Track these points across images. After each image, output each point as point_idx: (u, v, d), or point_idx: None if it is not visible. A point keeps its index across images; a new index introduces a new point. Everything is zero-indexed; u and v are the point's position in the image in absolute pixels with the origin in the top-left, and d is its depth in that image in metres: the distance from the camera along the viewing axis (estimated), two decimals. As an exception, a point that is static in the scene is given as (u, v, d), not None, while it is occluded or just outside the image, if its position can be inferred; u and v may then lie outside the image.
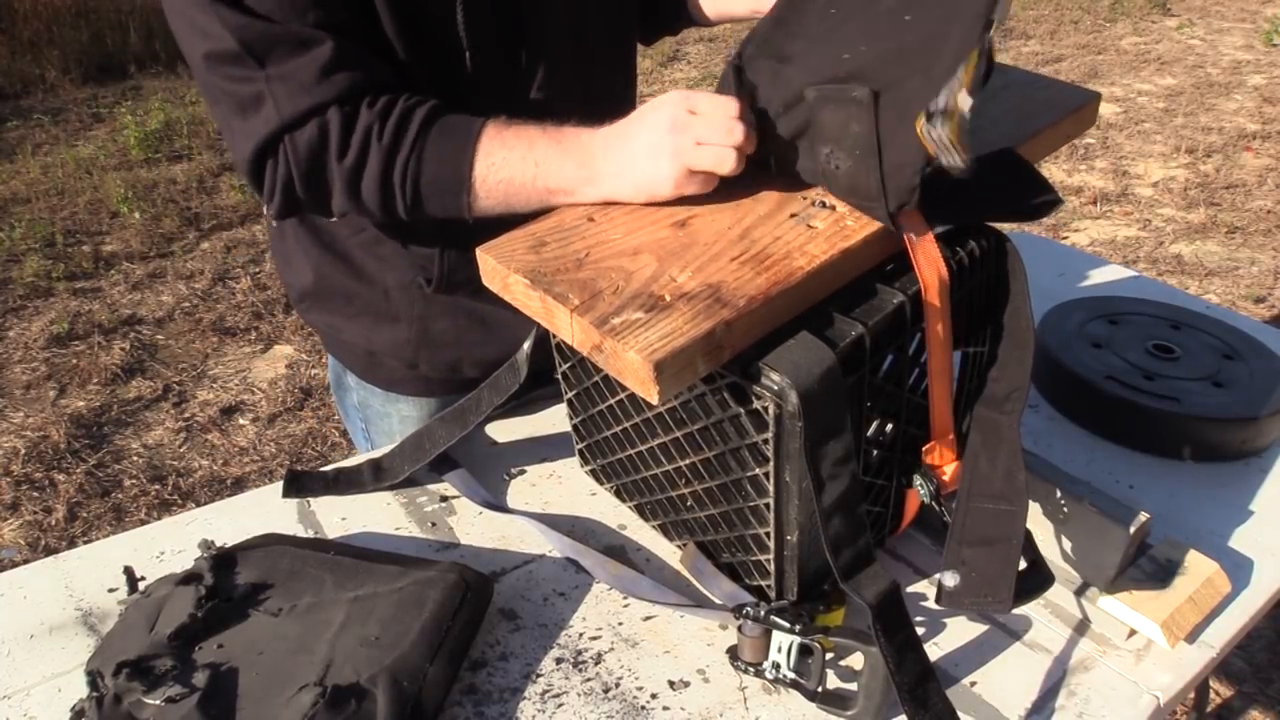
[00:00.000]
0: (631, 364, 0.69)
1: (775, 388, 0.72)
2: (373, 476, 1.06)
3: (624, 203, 0.87)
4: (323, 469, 1.08)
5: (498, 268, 0.80)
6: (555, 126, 0.90)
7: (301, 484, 1.05)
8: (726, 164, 0.82)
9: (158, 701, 0.75)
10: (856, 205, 0.82)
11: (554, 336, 0.96)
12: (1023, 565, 0.82)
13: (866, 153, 0.78)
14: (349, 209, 0.93)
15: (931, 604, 0.90)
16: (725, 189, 0.86)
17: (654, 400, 0.70)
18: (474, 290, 1.04)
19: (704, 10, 1.20)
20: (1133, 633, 0.89)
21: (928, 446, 0.85)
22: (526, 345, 1.01)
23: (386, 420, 1.24)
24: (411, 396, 1.22)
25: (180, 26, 0.88)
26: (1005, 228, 0.86)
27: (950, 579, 0.80)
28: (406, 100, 0.89)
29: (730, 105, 0.83)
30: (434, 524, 1.02)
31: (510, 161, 0.88)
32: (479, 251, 0.82)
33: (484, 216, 0.91)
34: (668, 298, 0.73)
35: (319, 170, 0.89)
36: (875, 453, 0.86)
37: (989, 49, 0.76)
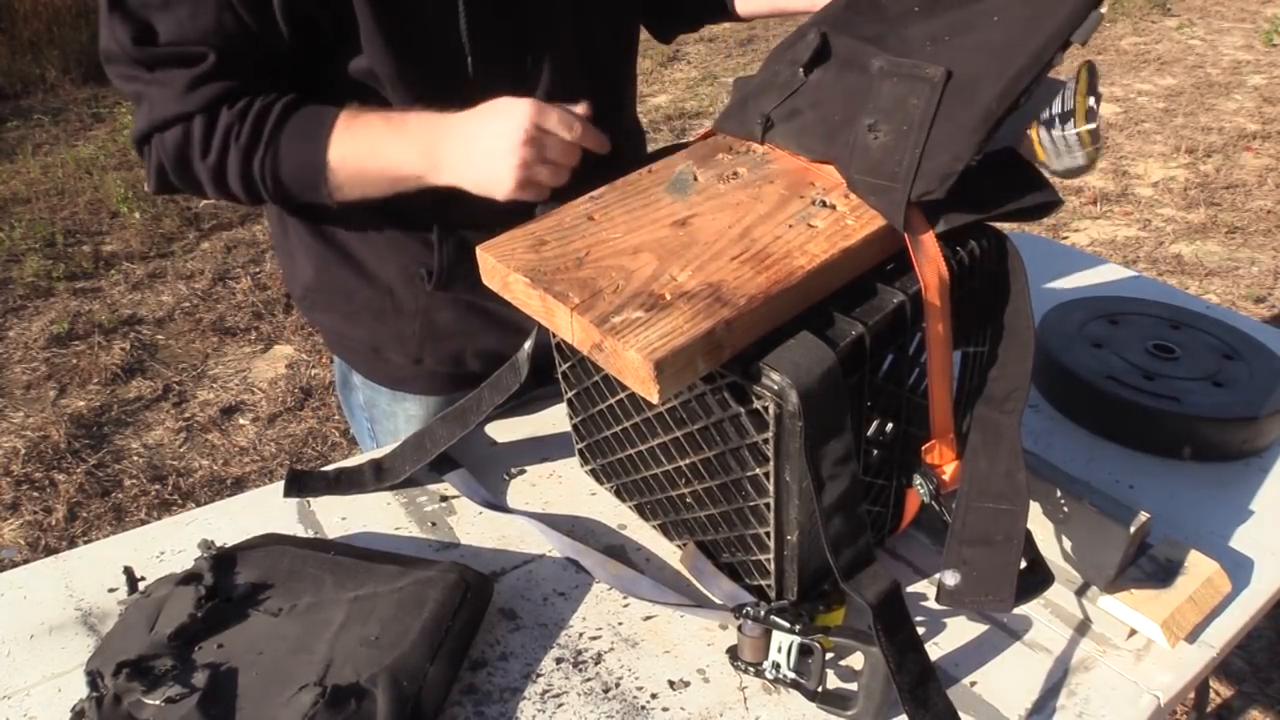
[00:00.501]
0: (632, 363, 0.69)
1: (775, 387, 0.72)
2: (374, 476, 1.06)
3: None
4: (324, 469, 1.08)
5: (497, 266, 0.80)
6: (400, 115, 0.96)
7: (302, 484, 1.05)
8: (560, 180, 0.92)
9: (158, 701, 0.75)
10: (869, 188, 0.81)
11: (554, 336, 0.96)
12: (1022, 565, 0.82)
13: (914, 129, 0.79)
14: (221, 197, 1.01)
15: (932, 604, 0.90)
16: (726, 189, 0.86)
17: (654, 399, 0.70)
18: (474, 284, 1.05)
19: (735, 4, 1.19)
20: (1133, 632, 0.89)
21: (927, 445, 0.85)
22: (527, 345, 1.01)
23: (392, 420, 1.25)
24: (417, 395, 1.22)
25: (101, 13, 0.96)
26: (1005, 228, 0.86)
27: (951, 578, 0.80)
28: (264, 99, 0.96)
29: (575, 127, 0.91)
30: (434, 524, 1.02)
31: (359, 151, 0.96)
32: (479, 250, 0.82)
33: (346, 202, 1.00)
34: (668, 297, 0.73)
35: (185, 166, 0.98)
36: (875, 452, 0.86)
37: (1094, 71, 0.84)
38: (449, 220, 1.05)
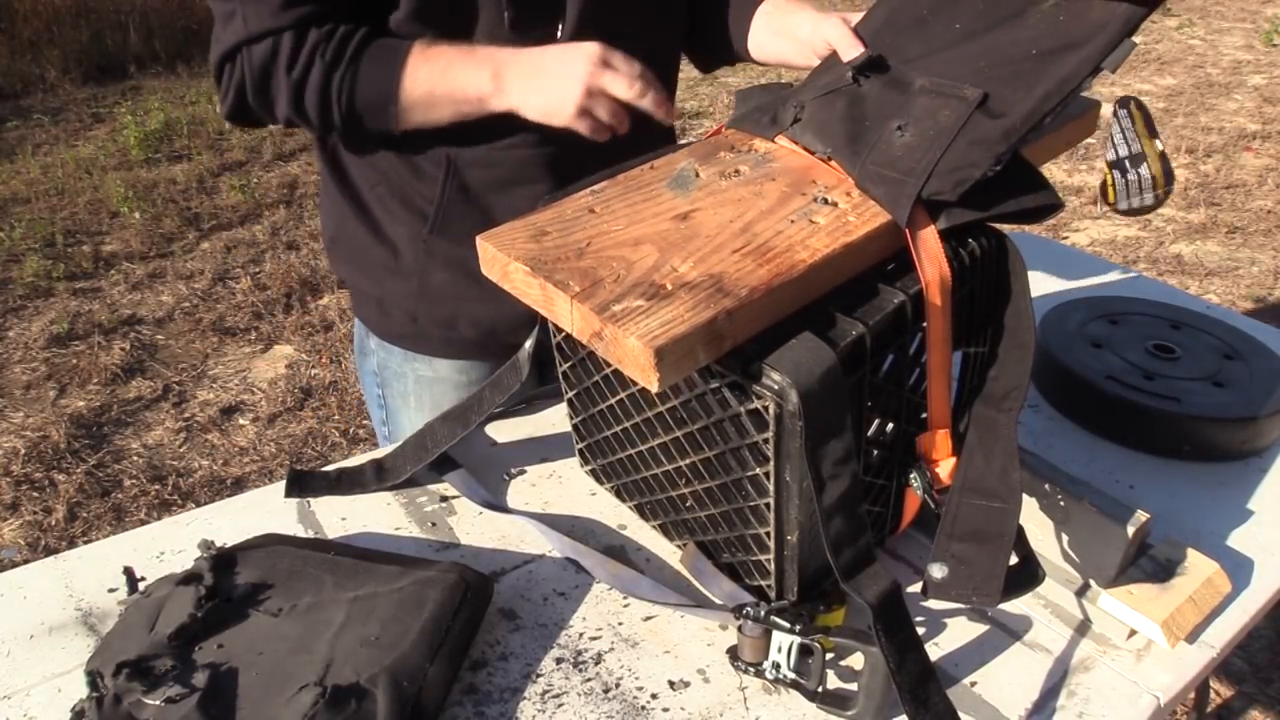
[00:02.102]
0: (632, 350, 0.69)
1: (776, 387, 0.72)
2: (375, 476, 1.06)
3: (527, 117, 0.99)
4: (324, 469, 1.08)
5: (498, 255, 0.81)
6: (469, 46, 1.02)
7: (303, 483, 1.05)
8: (618, 120, 0.97)
9: (158, 701, 0.75)
10: (880, 179, 0.82)
11: (555, 336, 0.96)
12: (1013, 560, 0.82)
13: (940, 134, 0.82)
14: (292, 117, 1.05)
15: (932, 604, 0.90)
16: (728, 186, 0.86)
17: (654, 388, 0.70)
18: (467, 231, 1.14)
19: (749, 48, 1.23)
20: (1133, 633, 0.89)
21: (923, 438, 0.85)
22: (528, 344, 1.01)
23: (402, 381, 1.28)
24: (424, 355, 1.25)
25: None
26: (1005, 228, 0.86)
27: (938, 571, 0.80)
28: (348, 25, 1.02)
29: (640, 76, 0.96)
30: (434, 524, 1.02)
31: (432, 75, 1.01)
32: (479, 240, 0.83)
33: (408, 127, 1.05)
34: (669, 286, 0.73)
35: (266, 81, 1.03)
36: (875, 452, 0.86)
37: (1143, 107, 0.92)
38: (458, 163, 1.10)
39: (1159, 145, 0.91)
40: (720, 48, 1.27)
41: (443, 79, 1.01)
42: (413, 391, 1.27)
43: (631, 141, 0.98)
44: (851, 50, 0.96)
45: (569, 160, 1.02)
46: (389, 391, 1.31)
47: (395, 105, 1.02)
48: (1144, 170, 0.92)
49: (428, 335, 1.23)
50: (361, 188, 1.18)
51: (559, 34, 1.06)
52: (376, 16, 1.03)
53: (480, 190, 1.12)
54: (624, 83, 0.95)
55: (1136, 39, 0.84)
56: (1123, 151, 0.93)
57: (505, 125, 1.03)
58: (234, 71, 1.03)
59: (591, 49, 0.96)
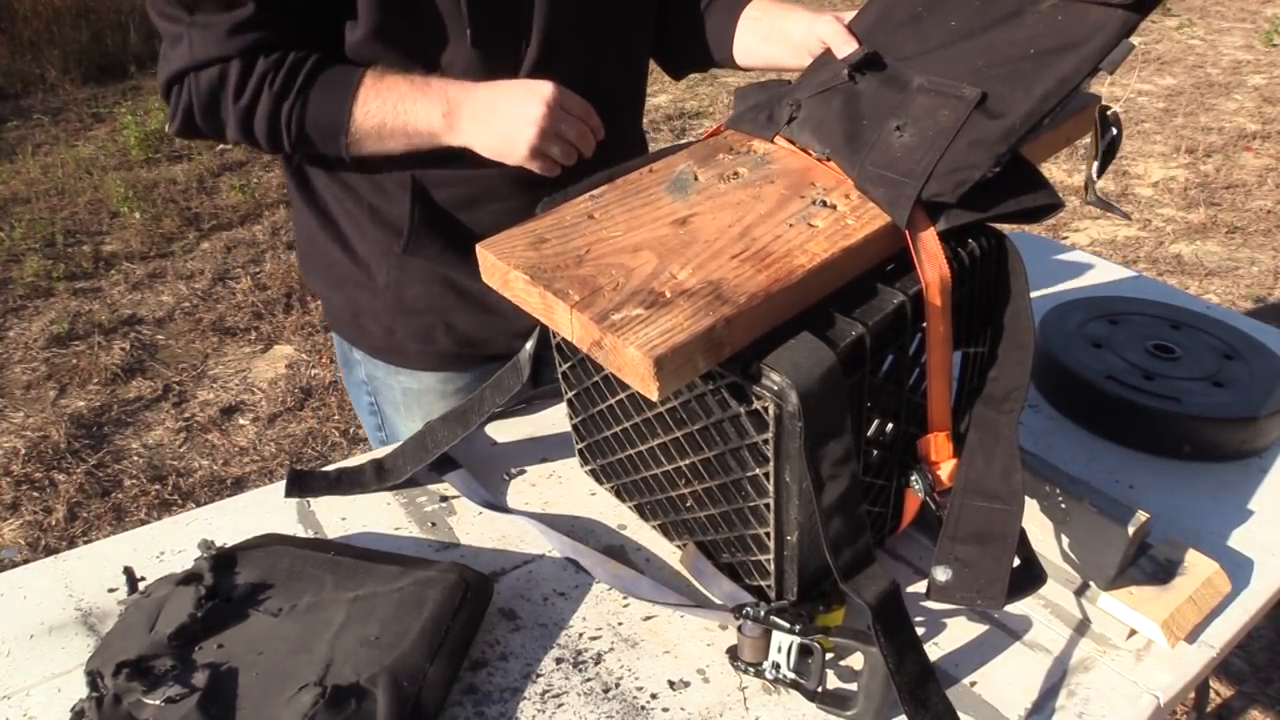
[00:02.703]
0: (631, 360, 0.69)
1: (775, 388, 0.72)
2: (375, 477, 1.06)
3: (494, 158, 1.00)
4: (325, 469, 1.08)
5: (497, 264, 0.80)
6: (423, 78, 1.01)
7: (304, 483, 1.05)
8: (569, 159, 0.99)
9: (158, 701, 0.75)
10: (880, 180, 0.82)
11: (555, 336, 0.96)
12: (1015, 563, 0.82)
13: (940, 135, 0.82)
14: (242, 141, 1.05)
15: (932, 604, 0.90)
16: (726, 189, 0.86)
17: (654, 396, 0.70)
18: (440, 250, 1.13)
19: (734, 54, 1.21)
20: (1133, 633, 0.89)
21: (923, 440, 0.85)
22: (529, 345, 1.01)
23: (391, 391, 1.27)
24: (405, 369, 1.24)
25: None
26: (1005, 228, 0.86)
27: (942, 574, 0.80)
28: (298, 53, 1.01)
29: (592, 116, 0.99)
30: (434, 524, 1.02)
31: (384, 108, 1.00)
32: (479, 248, 0.83)
33: (360, 156, 1.04)
34: (668, 294, 0.73)
35: (214, 107, 1.02)
36: (875, 453, 0.86)
37: (1107, 118, 0.96)
38: (423, 186, 1.10)
39: (1095, 169, 0.99)
40: (691, 53, 1.26)
41: (394, 112, 1.00)
42: (402, 402, 1.27)
43: (598, 155, 0.99)
44: (846, 47, 0.96)
45: (537, 175, 1.01)
46: (381, 399, 1.30)
47: (345, 136, 1.02)
48: (1091, 196, 1.01)
49: (405, 348, 1.22)
50: (329, 203, 1.16)
51: (524, 49, 1.04)
52: (328, 42, 1.02)
53: (449, 208, 1.11)
54: (576, 126, 0.97)
55: (1135, 40, 0.84)
56: (1092, 173, 1.01)
57: (464, 149, 1.02)
58: (181, 94, 1.02)
59: (545, 89, 0.96)
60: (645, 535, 1.00)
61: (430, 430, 1.07)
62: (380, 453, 1.10)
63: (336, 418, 2.85)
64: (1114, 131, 0.97)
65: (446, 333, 1.19)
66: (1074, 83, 0.82)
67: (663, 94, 5.38)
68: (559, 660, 0.86)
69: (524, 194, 1.08)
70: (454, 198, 1.11)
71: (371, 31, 1.00)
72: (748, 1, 1.19)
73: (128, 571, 0.89)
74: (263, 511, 1.03)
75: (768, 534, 0.83)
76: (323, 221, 1.17)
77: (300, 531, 1.00)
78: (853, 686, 0.81)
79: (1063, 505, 0.92)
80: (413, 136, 1.01)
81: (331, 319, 1.30)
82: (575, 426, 1.05)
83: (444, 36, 1.02)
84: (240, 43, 0.98)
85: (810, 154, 0.90)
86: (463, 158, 1.03)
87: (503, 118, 0.98)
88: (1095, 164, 0.98)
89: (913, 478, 0.86)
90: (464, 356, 1.22)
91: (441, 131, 1.00)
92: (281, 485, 1.05)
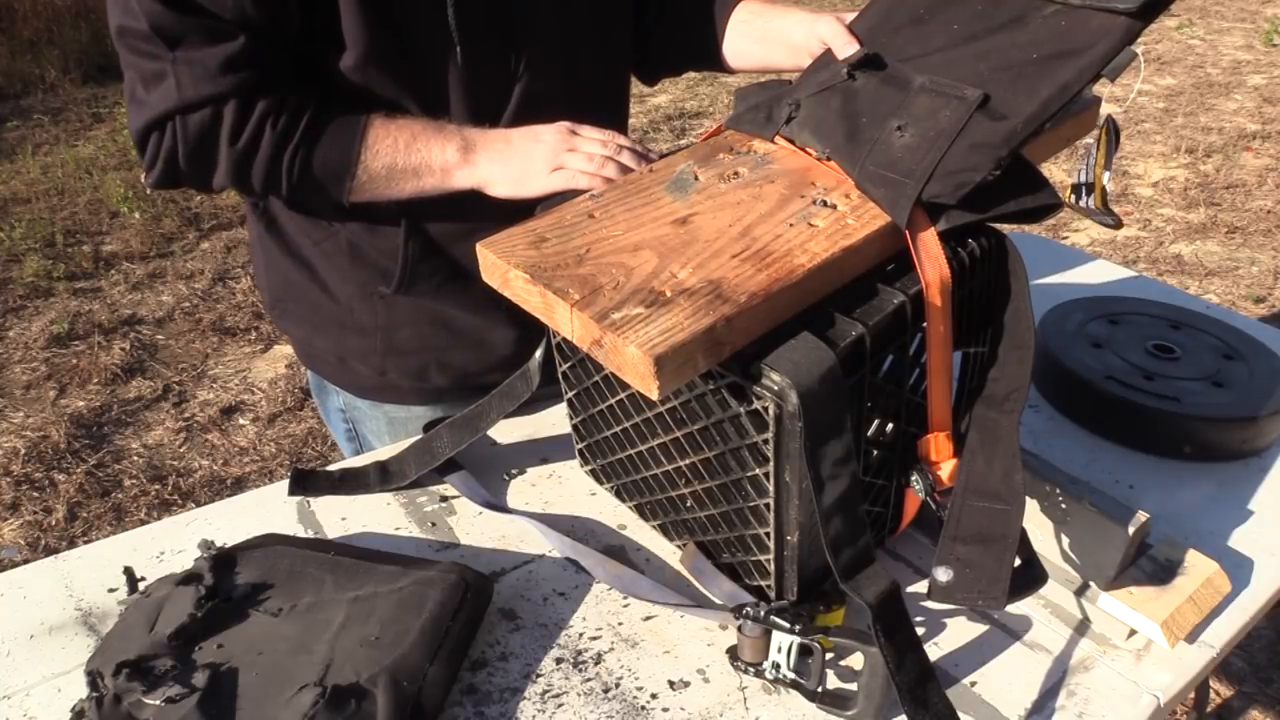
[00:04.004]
0: (632, 359, 0.69)
1: (775, 388, 0.72)
2: (379, 479, 1.06)
3: (496, 195, 0.97)
4: (328, 469, 1.08)
5: (497, 263, 0.80)
6: (435, 121, 0.99)
7: (307, 483, 1.05)
8: (593, 166, 0.93)
9: (158, 701, 0.75)
10: (880, 180, 0.82)
11: (555, 336, 0.96)
12: (1016, 563, 0.82)
13: (941, 136, 0.82)
14: (229, 186, 0.98)
15: (932, 604, 0.90)
16: (727, 189, 0.86)
17: (654, 396, 0.70)
18: (437, 285, 1.09)
19: (725, 57, 1.19)
20: (1133, 633, 0.89)
21: (923, 440, 0.85)
22: (538, 353, 1.01)
23: (375, 421, 1.24)
24: (394, 403, 1.21)
25: None
26: (1005, 228, 0.86)
27: (943, 574, 0.80)
28: (299, 94, 0.96)
29: (612, 141, 0.95)
30: (434, 524, 1.02)
31: (395, 148, 0.97)
32: (479, 247, 0.82)
33: (359, 200, 1.00)
34: (668, 293, 0.73)
35: (206, 151, 0.95)
36: (875, 453, 0.86)
37: (1117, 128, 0.98)
38: (417, 219, 1.06)
39: (1106, 179, 0.99)
40: (669, 57, 1.24)
41: (406, 150, 0.97)
42: (387, 431, 1.23)
43: None
44: (847, 47, 0.96)
45: (536, 200, 0.97)
46: (363, 429, 1.26)
47: (351, 179, 0.98)
48: (1091, 201, 1.00)
49: (397, 386, 1.19)
50: (302, 245, 1.11)
51: (514, 66, 1.03)
52: (314, 77, 0.97)
53: (444, 241, 1.08)
54: (595, 152, 0.94)
55: (1137, 47, 0.85)
56: (1082, 178, 1.00)
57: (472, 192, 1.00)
58: (163, 139, 0.94)
59: (560, 125, 0.96)
60: (645, 535, 1.00)
61: (436, 435, 1.07)
62: (384, 454, 1.10)
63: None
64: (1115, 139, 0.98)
65: (441, 371, 1.17)
66: (1076, 89, 0.82)
67: (663, 94, 5.38)
68: (559, 660, 0.86)
69: (522, 217, 1.06)
70: (449, 230, 1.07)
71: (362, 56, 0.96)
72: (735, 4, 1.17)
73: (128, 571, 0.89)
74: (263, 511, 1.03)
75: (768, 534, 0.83)
76: (297, 264, 1.12)
77: (300, 531, 1.00)
78: (853, 686, 0.81)
79: (1063, 505, 0.92)
80: (424, 176, 0.98)
81: (309, 360, 1.25)
82: (575, 426, 1.05)
83: (433, 57, 0.99)
84: (234, 80, 0.92)
85: (810, 154, 0.90)
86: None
87: (517, 145, 0.97)
88: (1100, 171, 0.98)
89: (913, 478, 0.86)
90: (458, 389, 1.18)
91: (456, 166, 0.98)
92: (281, 485, 1.05)
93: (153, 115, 0.93)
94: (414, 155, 0.97)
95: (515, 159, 0.97)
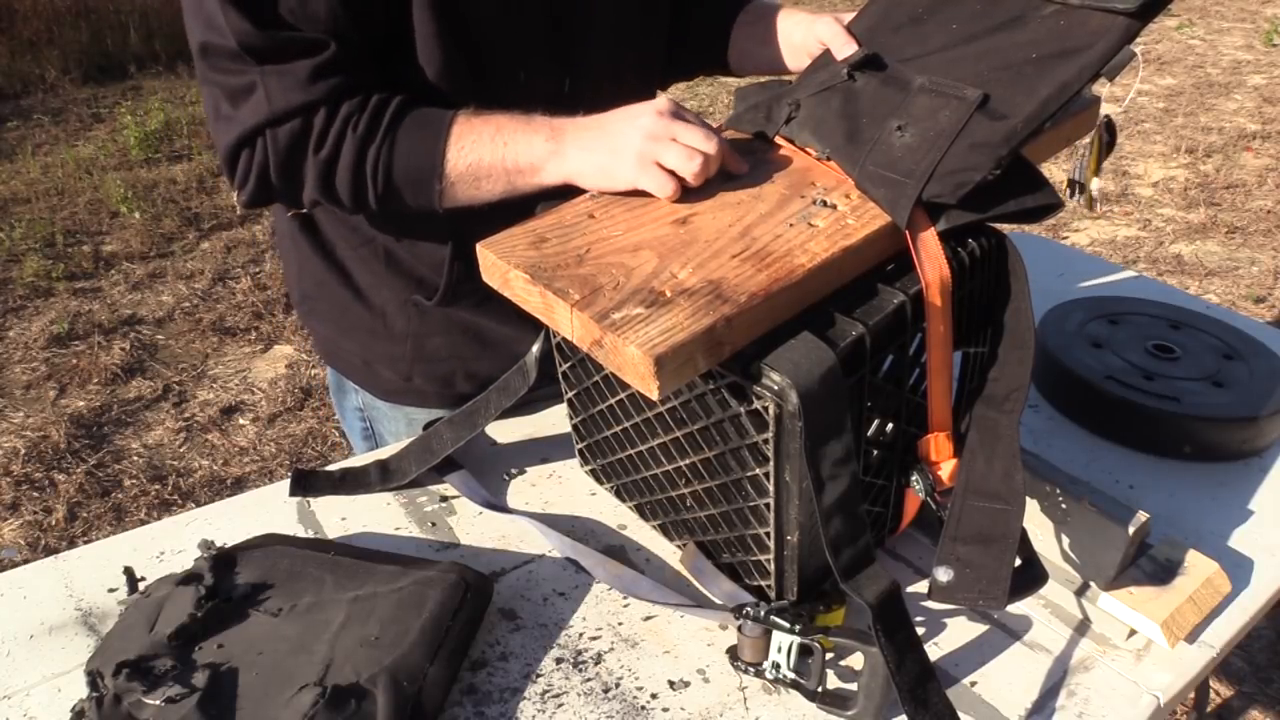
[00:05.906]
0: (632, 359, 0.69)
1: (775, 388, 0.72)
2: (379, 477, 1.06)
3: (587, 187, 0.90)
4: (328, 468, 1.08)
5: (497, 263, 0.80)
6: (523, 113, 0.93)
7: (307, 483, 1.05)
8: (692, 165, 0.84)
9: (158, 701, 0.75)
10: (880, 180, 0.83)
11: (555, 336, 0.96)
12: (1017, 563, 0.82)
13: (941, 136, 0.82)
14: (320, 199, 0.94)
15: (932, 604, 0.90)
16: (727, 188, 0.86)
17: (654, 396, 0.70)
18: (477, 301, 1.08)
19: (729, 60, 1.19)
20: (1133, 633, 0.89)
21: (923, 440, 0.85)
22: (535, 348, 1.01)
23: (394, 421, 1.24)
24: (414, 406, 1.21)
25: (189, 4, 0.89)
26: (1005, 228, 0.86)
27: (944, 574, 0.80)
28: (381, 95, 0.92)
29: (711, 137, 0.86)
30: (434, 524, 1.02)
31: (480, 143, 0.91)
32: (479, 247, 0.82)
33: (453, 205, 0.94)
34: (668, 293, 0.73)
35: (295, 162, 0.91)
36: (875, 453, 0.86)
37: (1112, 128, 1.00)
38: (464, 240, 1.01)
39: (1095, 185, 1.02)
40: (689, 64, 1.24)
41: (492, 145, 0.91)
42: (406, 431, 1.22)
43: None
44: (846, 48, 0.96)
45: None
46: (380, 427, 1.26)
47: (439, 181, 0.91)
48: (1081, 200, 1.04)
49: (422, 391, 1.18)
50: (337, 246, 1.10)
51: (565, 82, 1.02)
52: (399, 86, 0.93)
53: None
54: (689, 140, 0.86)
55: (1136, 46, 0.85)
56: (1075, 175, 1.03)
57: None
58: (255, 155, 0.91)
59: (654, 106, 0.88)
60: (645, 535, 1.00)
61: (435, 433, 1.07)
62: (384, 453, 1.10)
63: (336, 417, 2.85)
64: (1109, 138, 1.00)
65: (467, 379, 1.16)
66: (1075, 88, 0.82)
67: (663, 94, 5.38)
68: (559, 660, 0.86)
69: None
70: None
71: (436, 73, 0.93)
72: (738, 8, 1.18)
73: (128, 571, 0.89)
74: (263, 511, 1.03)
75: (768, 534, 0.83)
76: (330, 265, 1.11)
77: (300, 531, 1.00)
78: (853, 686, 0.81)
79: (1063, 505, 0.92)
80: (513, 173, 0.91)
81: (333, 360, 1.24)
82: (575, 426, 1.05)
83: (499, 77, 0.97)
84: (325, 87, 0.88)
85: (810, 154, 0.90)
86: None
87: (610, 131, 0.89)
88: (1090, 175, 1.01)
89: (913, 478, 0.86)
90: (475, 396, 1.16)
91: (544, 160, 0.90)
92: (282, 485, 1.05)
93: (243, 130, 0.90)
94: (500, 149, 0.91)
95: (605, 147, 0.88)
